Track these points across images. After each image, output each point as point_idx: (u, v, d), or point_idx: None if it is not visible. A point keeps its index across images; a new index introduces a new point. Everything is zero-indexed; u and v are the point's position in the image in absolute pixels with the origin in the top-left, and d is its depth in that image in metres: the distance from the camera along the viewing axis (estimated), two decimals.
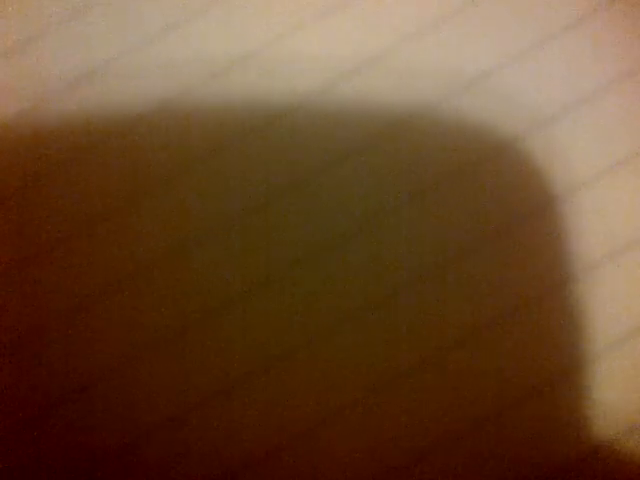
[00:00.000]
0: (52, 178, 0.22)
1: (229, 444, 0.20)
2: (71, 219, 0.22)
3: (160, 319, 0.21)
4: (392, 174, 0.21)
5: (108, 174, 0.22)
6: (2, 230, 0.22)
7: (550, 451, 0.20)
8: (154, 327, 0.21)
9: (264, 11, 0.23)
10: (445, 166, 0.21)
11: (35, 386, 0.21)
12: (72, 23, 0.23)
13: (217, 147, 0.22)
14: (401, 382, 0.20)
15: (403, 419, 0.20)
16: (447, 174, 0.21)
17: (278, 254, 0.21)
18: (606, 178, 0.21)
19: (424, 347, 0.20)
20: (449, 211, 0.21)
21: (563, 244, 0.21)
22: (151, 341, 0.21)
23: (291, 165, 0.21)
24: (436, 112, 0.21)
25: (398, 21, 0.22)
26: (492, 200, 0.21)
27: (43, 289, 0.21)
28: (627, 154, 0.21)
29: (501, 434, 0.20)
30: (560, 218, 0.21)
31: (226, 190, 0.21)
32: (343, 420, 0.20)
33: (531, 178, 0.21)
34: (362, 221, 0.21)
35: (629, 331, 0.20)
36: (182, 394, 0.20)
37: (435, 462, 0.20)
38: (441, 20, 0.22)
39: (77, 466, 0.20)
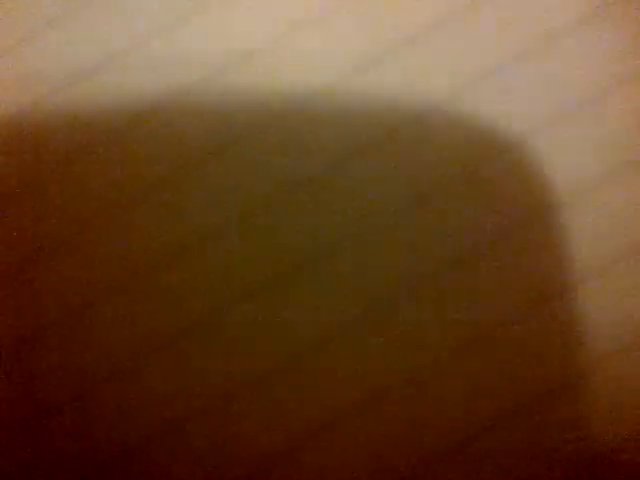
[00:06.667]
0: (52, 178, 0.22)
1: (232, 447, 0.20)
2: (71, 219, 0.21)
3: (162, 321, 0.21)
4: (392, 175, 0.21)
5: (108, 173, 0.22)
6: (2, 230, 0.22)
7: (552, 456, 0.20)
8: (157, 328, 0.21)
9: (265, 9, 0.22)
10: (444, 168, 0.21)
11: (37, 388, 0.21)
12: (71, 21, 0.23)
13: (217, 146, 0.22)
14: (403, 387, 0.20)
15: (405, 425, 0.20)
16: (446, 176, 0.21)
17: (279, 255, 0.21)
18: (608, 181, 0.21)
19: (425, 353, 0.20)
20: (448, 214, 0.21)
21: (565, 248, 0.20)
22: (154, 343, 0.21)
23: (292, 165, 0.21)
24: (436, 113, 0.21)
25: (399, 21, 0.22)
26: (492, 203, 0.21)
27: (43, 290, 0.21)
28: (629, 157, 0.21)
29: (503, 440, 0.20)
30: (562, 221, 0.21)
31: (227, 190, 0.21)
32: (346, 425, 0.20)
33: (532, 180, 0.21)
34: (362, 222, 0.21)
35: (630, 336, 0.20)
36: (184, 397, 0.20)
37: (437, 468, 0.20)
38: (442, 21, 0.22)
39: (79, 469, 0.20)
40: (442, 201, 0.21)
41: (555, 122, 0.21)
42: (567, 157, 0.21)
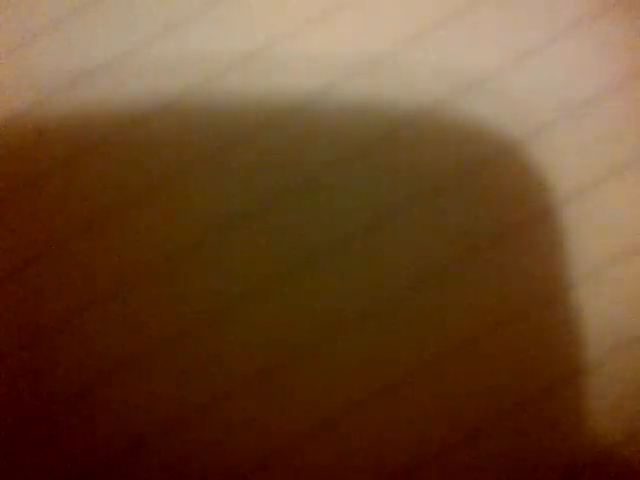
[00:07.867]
0: (52, 178, 0.22)
1: (232, 446, 0.20)
2: (71, 219, 0.21)
3: (162, 320, 0.21)
4: (391, 176, 0.21)
5: (108, 174, 0.22)
6: (2, 230, 0.22)
7: (550, 457, 0.20)
8: (157, 328, 0.21)
9: (265, 11, 0.22)
10: (444, 169, 0.21)
11: (38, 388, 0.21)
12: (72, 22, 0.23)
13: (218, 147, 0.22)
14: (402, 386, 0.20)
15: (405, 423, 0.20)
16: (446, 177, 0.21)
17: (279, 256, 0.21)
18: (607, 183, 0.21)
19: (425, 351, 0.20)
20: (448, 214, 0.21)
21: (563, 250, 0.21)
22: (154, 342, 0.21)
23: (291, 166, 0.21)
24: (436, 114, 0.21)
25: (399, 22, 0.22)
26: (492, 204, 0.21)
27: (43, 290, 0.21)
28: (629, 158, 0.21)
29: (502, 440, 0.20)
30: (562, 221, 0.21)
31: (227, 191, 0.21)
32: (346, 423, 0.20)
33: (532, 181, 0.21)
34: (362, 223, 0.21)
35: (629, 337, 0.20)
36: (184, 396, 0.20)
37: (436, 466, 0.20)
38: (442, 22, 0.22)
39: (79, 468, 0.20)
40: (442, 201, 0.21)
41: (555, 122, 0.21)
42: (567, 157, 0.21)
